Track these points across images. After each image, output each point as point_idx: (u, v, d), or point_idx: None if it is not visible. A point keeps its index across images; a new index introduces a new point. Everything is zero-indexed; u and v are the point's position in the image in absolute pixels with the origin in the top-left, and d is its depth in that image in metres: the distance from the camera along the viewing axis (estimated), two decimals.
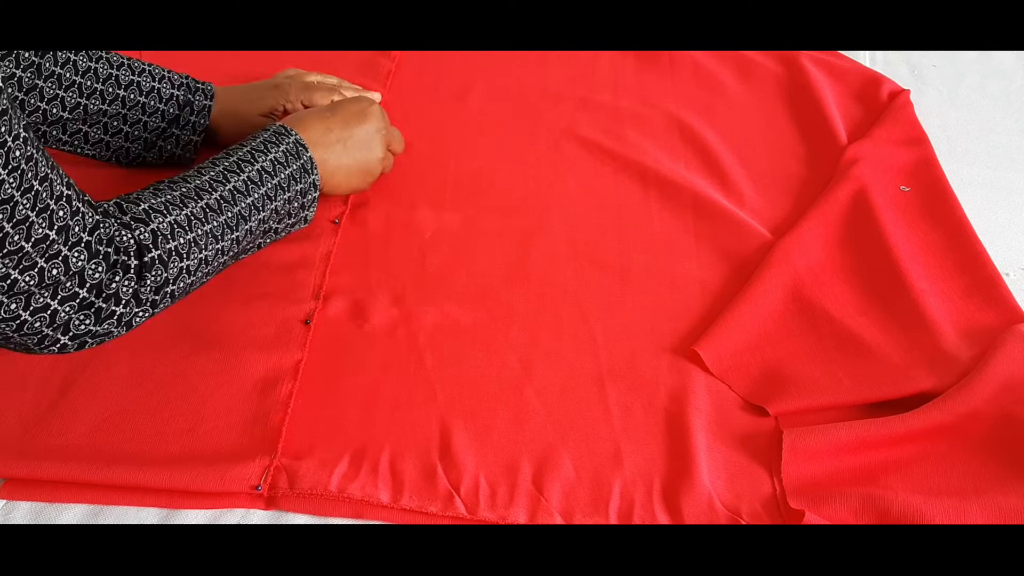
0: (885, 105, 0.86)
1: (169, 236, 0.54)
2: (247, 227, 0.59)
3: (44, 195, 0.45)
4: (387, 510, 0.53)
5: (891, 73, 0.92)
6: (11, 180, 0.43)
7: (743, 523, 0.52)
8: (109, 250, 0.50)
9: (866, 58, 0.95)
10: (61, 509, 0.53)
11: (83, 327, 0.51)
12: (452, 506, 0.53)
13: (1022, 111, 0.89)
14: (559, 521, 0.52)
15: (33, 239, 0.45)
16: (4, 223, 0.43)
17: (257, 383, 0.60)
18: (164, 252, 0.53)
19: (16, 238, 0.44)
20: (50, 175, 0.46)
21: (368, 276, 0.69)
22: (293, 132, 0.64)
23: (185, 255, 0.55)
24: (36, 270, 0.46)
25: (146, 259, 0.52)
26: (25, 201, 0.44)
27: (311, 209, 0.66)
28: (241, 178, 0.59)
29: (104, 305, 0.51)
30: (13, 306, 0.47)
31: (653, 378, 0.61)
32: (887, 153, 0.79)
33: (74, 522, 0.52)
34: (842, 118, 0.85)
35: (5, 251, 0.44)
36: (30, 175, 0.44)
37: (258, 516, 0.53)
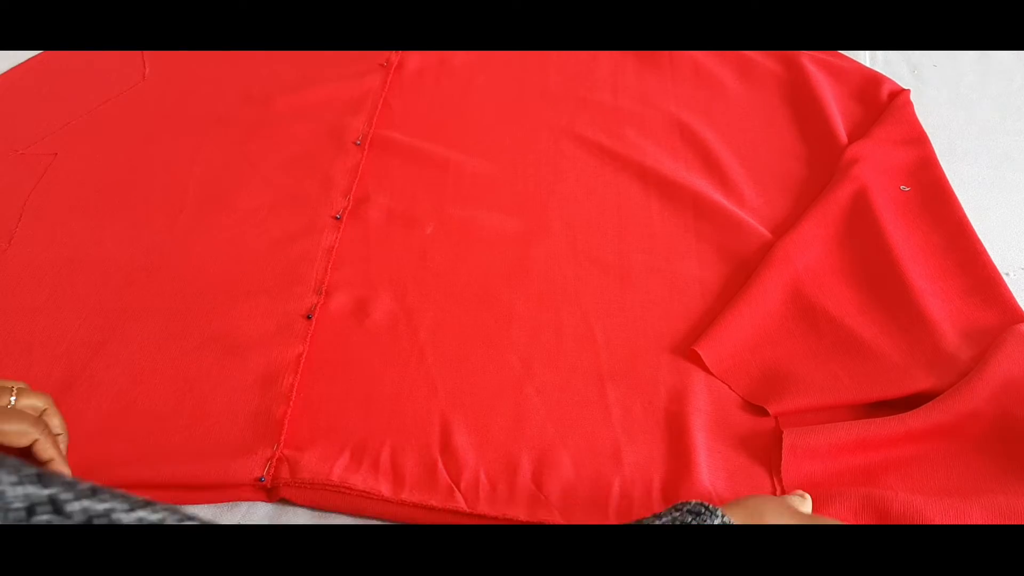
0: (885, 105, 0.86)
1: None
2: None
3: None
4: (387, 503, 0.53)
5: (891, 73, 0.92)
6: None
7: None
8: None
9: (866, 58, 0.95)
10: None
11: None
12: (452, 500, 0.53)
13: (1022, 111, 0.89)
14: (558, 519, 0.52)
15: None
16: None
17: (259, 377, 0.60)
18: None
19: None
20: None
21: (369, 272, 0.69)
22: None
23: None
24: None
25: None
26: None
27: None
28: None
29: None
30: None
31: (653, 378, 0.61)
32: (887, 153, 0.79)
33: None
34: (842, 118, 0.85)
35: None
36: None
37: (260, 515, 0.53)
